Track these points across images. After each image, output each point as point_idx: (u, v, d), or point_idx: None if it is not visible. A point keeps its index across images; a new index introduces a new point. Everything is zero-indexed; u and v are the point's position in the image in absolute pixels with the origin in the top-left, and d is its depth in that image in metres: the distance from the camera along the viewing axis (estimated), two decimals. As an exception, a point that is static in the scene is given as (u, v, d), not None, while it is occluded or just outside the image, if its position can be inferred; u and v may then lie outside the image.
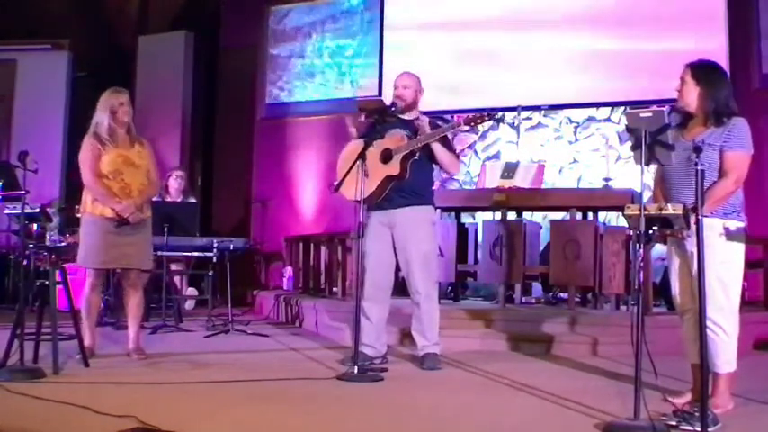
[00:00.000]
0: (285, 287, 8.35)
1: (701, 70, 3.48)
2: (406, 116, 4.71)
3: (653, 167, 3.50)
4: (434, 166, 4.80)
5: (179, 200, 7.49)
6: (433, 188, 4.87)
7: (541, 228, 6.96)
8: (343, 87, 9.59)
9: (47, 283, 4.24)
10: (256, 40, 10.11)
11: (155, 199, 5.27)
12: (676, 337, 3.66)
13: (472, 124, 4.69)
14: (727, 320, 3.37)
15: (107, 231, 4.63)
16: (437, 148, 4.58)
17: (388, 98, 4.94)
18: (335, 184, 4.57)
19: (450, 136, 4.73)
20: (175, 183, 7.47)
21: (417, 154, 4.57)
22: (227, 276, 6.33)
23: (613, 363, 4.66)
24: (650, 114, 3.17)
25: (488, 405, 3.65)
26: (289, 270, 8.31)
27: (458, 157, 4.86)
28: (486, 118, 4.60)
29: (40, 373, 3.98)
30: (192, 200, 7.83)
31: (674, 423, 3.05)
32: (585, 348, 5.15)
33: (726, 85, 3.48)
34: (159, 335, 5.91)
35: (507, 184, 6.41)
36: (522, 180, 6.45)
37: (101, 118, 4.70)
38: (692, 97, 3.47)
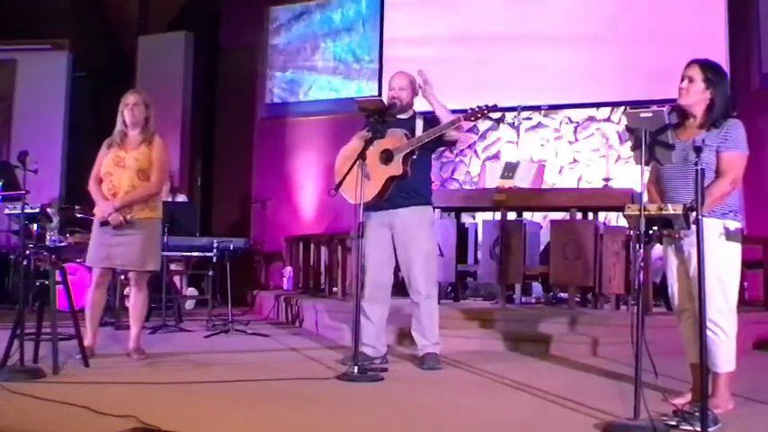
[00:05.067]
0: (285, 287, 8.35)
1: (714, 72, 3.44)
2: (402, 116, 4.74)
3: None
4: (431, 165, 4.83)
5: (168, 200, 7.47)
6: (432, 188, 4.88)
7: (541, 228, 6.96)
8: (343, 87, 9.59)
9: (47, 283, 4.24)
10: (256, 40, 10.12)
11: None
12: (676, 337, 3.66)
13: (473, 119, 4.71)
14: (727, 320, 3.37)
15: (99, 231, 4.73)
16: (450, 132, 4.60)
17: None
18: (335, 184, 4.57)
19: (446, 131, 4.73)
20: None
21: (416, 153, 4.59)
22: (227, 276, 6.34)
23: (613, 363, 4.66)
24: (650, 114, 3.17)
25: (488, 405, 3.65)
26: (289, 270, 8.31)
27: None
28: (486, 111, 4.61)
29: (40, 373, 3.98)
30: (182, 198, 7.82)
31: (674, 423, 3.05)
32: (585, 348, 5.15)
33: (728, 89, 3.48)
34: (159, 335, 5.91)
35: (507, 184, 6.41)
36: (522, 180, 6.45)
37: (118, 119, 4.84)
38: (698, 98, 3.43)
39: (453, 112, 4.70)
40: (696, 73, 3.44)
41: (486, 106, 4.60)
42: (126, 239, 4.69)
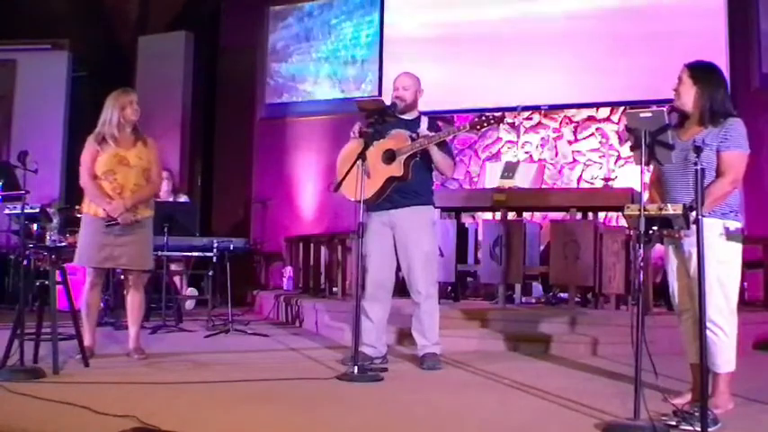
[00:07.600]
0: (285, 287, 8.35)
1: (699, 70, 3.49)
2: (405, 116, 4.72)
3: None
4: (432, 166, 4.82)
5: (170, 200, 7.47)
6: (433, 188, 4.87)
7: (542, 228, 6.96)
8: (343, 87, 9.59)
9: (47, 283, 4.24)
10: (256, 40, 10.12)
11: None
12: (676, 337, 3.66)
13: (478, 127, 4.63)
14: (727, 320, 3.37)
15: (100, 231, 4.63)
16: (434, 151, 4.53)
17: (387, 98, 4.94)
18: (335, 183, 4.57)
19: (448, 138, 4.71)
20: (164, 184, 7.41)
21: (419, 155, 4.57)
22: (227, 276, 6.34)
23: (613, 363, 4.66)
24: (650, 114, 3.17)
25: (488, 405, 3.64)
26: (289, 270, 8.31)
27: (453, 159, 4.86)
28: (493, 121, 4.57)
29: (40, 373, 3.98)
30: (184, 198, 7.82)
31: (674, 423, 3.05)
32: (585, 348, 5.15)
33: (722, 86, 3.49)
34: (159, 335, 5.91)
35: (507, 184, 6.41)
36: (522, 180, 6.46)
37: (109, 115, 4.69)
38: (688, 96, 3.47)
39: (454, 112, 4.69)
40: (684, 73, 3.50)
41: (494, 116, 4.56)
42: (130, 239, 4.68)
